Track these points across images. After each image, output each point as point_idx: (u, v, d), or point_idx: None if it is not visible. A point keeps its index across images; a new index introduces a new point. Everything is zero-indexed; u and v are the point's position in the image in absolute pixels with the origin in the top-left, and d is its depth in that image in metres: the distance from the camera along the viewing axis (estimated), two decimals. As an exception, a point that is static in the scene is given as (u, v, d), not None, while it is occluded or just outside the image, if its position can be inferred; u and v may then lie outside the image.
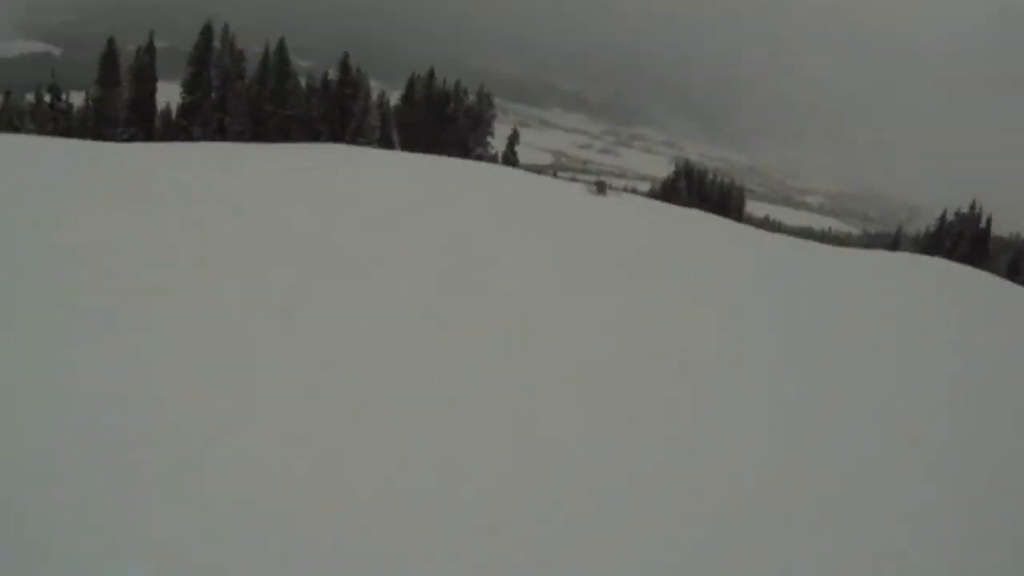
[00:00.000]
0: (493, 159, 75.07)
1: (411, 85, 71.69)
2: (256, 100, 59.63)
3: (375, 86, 71.05)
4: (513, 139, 77.04)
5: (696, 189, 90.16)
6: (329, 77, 65.40)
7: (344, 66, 65.63)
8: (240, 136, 57.51)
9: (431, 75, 72.07)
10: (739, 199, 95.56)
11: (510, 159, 76.44)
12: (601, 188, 42.64)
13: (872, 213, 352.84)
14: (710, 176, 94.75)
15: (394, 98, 74.11)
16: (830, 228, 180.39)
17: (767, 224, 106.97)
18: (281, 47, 61.01)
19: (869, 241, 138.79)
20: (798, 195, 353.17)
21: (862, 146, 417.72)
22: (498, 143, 76.69)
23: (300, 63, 68.38)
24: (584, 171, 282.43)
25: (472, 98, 72.93)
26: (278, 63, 60.80)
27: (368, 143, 62.97)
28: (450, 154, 69.70)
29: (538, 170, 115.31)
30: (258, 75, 61.19)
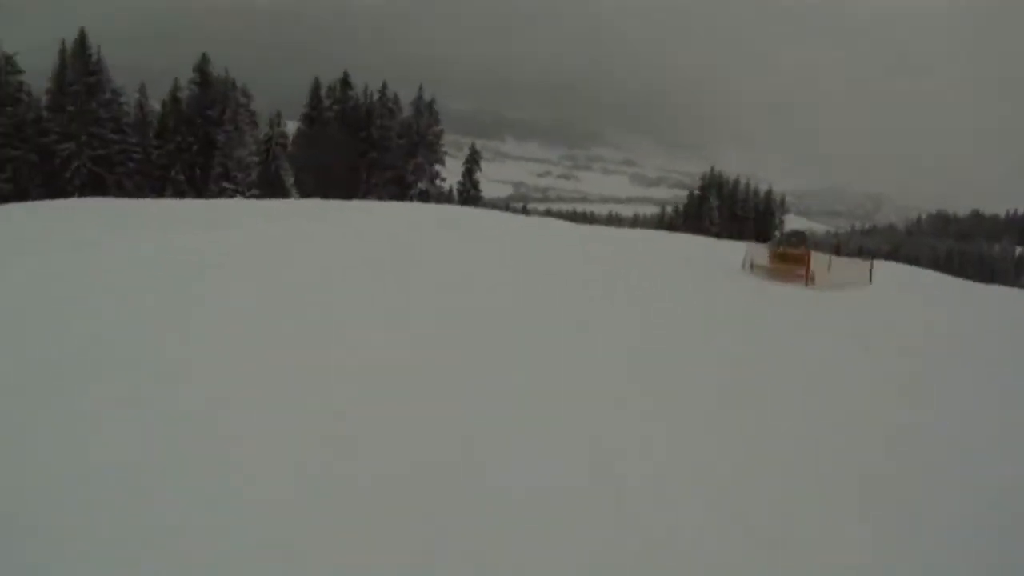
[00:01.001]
0: (446, 196, 52.02)
1: (314, 96, 48.17)
2: (37, 128, 35.68)
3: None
4: (472, 164, 53.77)
5: (727, 205, 68.58)
6: (178, 93, 41.89)
7: (202, 73, 42.19)
8: None
9: (345, 81, 48.89)
10: (779, 212, 73.63)
11: (469, 194, 53.29)
12: (796, 257, 16.26)
13: (838, 207, 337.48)
14: (742, 186, 71.46)
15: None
16: (811, 230, 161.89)
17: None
18: (82, 41, 37.21)
19: (871, 242, 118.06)
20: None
21: (820, 140, 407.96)
22: (448, 175, 53.61)
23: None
24: (545, 199, 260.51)
25: (408, 111, 49.74)
26: (81, 68, 36.97)
27: (238, 190, 39.20)
28: (380, 195, 46.72)
29: (504, 205, 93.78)
30: (51, 91, 37.35)
